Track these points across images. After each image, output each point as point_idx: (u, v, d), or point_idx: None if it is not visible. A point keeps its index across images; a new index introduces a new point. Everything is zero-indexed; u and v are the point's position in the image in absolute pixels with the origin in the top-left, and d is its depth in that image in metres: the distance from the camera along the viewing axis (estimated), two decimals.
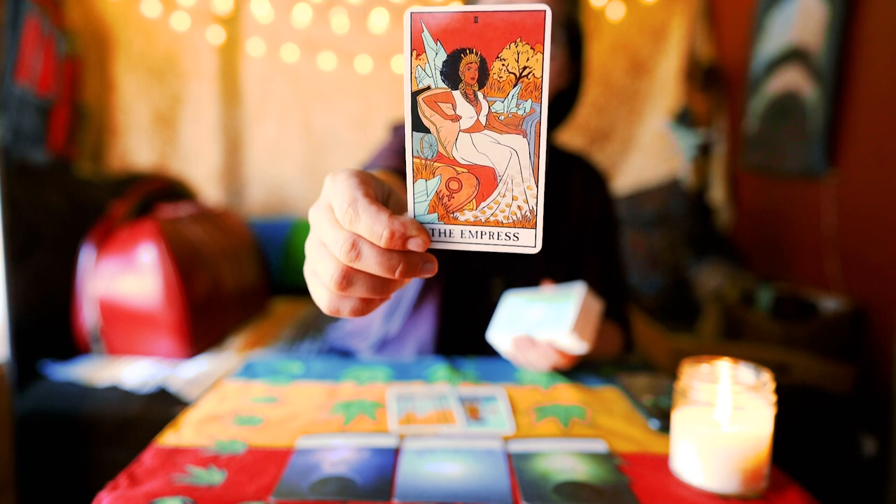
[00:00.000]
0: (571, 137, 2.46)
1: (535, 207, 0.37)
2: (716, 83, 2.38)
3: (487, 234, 0.38)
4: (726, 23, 2.38)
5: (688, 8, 2.41)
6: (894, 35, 1.50)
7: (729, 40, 2.36)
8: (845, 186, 1.65)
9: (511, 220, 0.37)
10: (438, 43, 0.36)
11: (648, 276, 2.25)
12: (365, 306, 0.39)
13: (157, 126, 2.41)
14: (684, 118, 2.36)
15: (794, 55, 1.87)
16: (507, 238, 0.38)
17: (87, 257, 1.37)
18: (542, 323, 0.79)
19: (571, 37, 0.96)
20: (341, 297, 0.38)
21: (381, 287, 0.38)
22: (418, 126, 0.37)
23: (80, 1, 2.19)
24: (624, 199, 2.36)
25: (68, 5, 2.12)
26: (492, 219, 0.37)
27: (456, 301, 0.95)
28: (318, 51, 2.45)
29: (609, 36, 2.48)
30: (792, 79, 1.88)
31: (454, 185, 0.37)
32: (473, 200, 0.37)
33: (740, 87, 2.24)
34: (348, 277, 0.37)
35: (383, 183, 0.40)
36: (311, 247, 0.39)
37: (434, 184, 0.38)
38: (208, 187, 2.42)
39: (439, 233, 0.38)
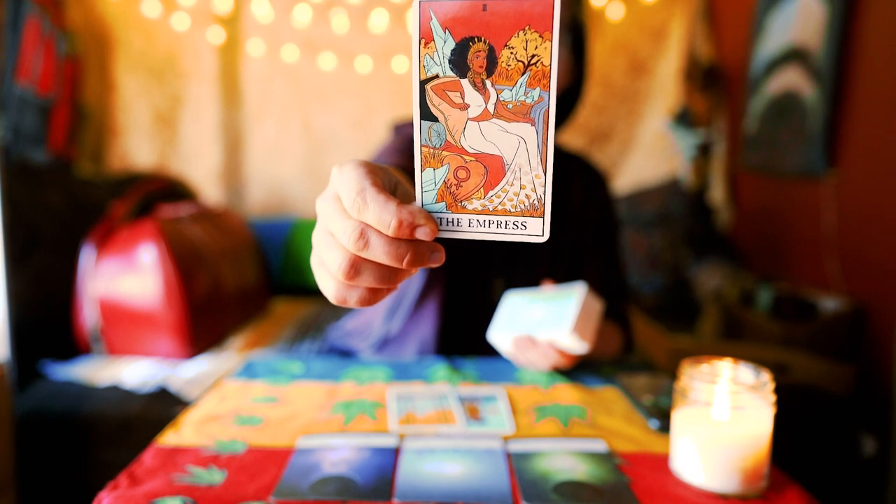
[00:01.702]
0: (571, 137, 2.46)
1: (542, 196, 0.37)
2: (716, 83, 2.38)
3: (495, 223, 0.38)
4: (726, 23, 2.38)
5: (688, 8, 2.41)
6: (894, 35, 1.50)
7: (729, 40, 2.36)
8: (845, 186, 1.65)
9: (519, 209, 0.37)
10: (447, 31, 0.36)
11: (648, 276, 2.25)
12: (372, 296, 0.39)
13: (158, 126, 2.41)
14: (684, 118, 2.36)
15: (794, 55, 1.87)
16: (516, 227, 0.37)
17: (87, 257, 1.37)
18: (542, 323, 0.79)
19: (575, 37, 0.96)
20: (349, 286, 0.38)
21: (388, 276, 0.38)
22: (426, 115, 0.37)
23: (80, 1, 2.19)
24: (624, 199, 2.37)
25: (68, 5, 2.12)
26: (500, 207, 0.37)
27: (457, 301, 0.95)
28: (318, 51, 2.45)
29: (609, 36, 2.48)
30: (791, 79, 1.88)
31: (462, 174, 0.37)
32: (481, 189, 0.37)
33: (740, 87, 2.24)
34: (356, 267, 0.37)
35: (390, 173, 0.40)
36: (318, 237, 0.39)
37: (442, 173, 0.38)
38: (208, 187, 2.42)
39: (447, 222, 0.38)
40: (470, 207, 0.38)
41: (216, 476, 0.54)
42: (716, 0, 2.41)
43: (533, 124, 0.36)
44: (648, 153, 2.54)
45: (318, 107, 2.49)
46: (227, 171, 2.49)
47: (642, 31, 2.48)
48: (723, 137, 2.38)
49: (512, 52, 0.35)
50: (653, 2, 2.44)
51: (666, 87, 2.48)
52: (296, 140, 2.50)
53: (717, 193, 2.37)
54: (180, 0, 2.33)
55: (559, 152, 1.07)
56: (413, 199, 0.39)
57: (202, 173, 2.43)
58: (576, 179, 1.05)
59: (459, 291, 0.96)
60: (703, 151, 2.39)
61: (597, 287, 0.95)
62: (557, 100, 0.98)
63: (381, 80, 2.47)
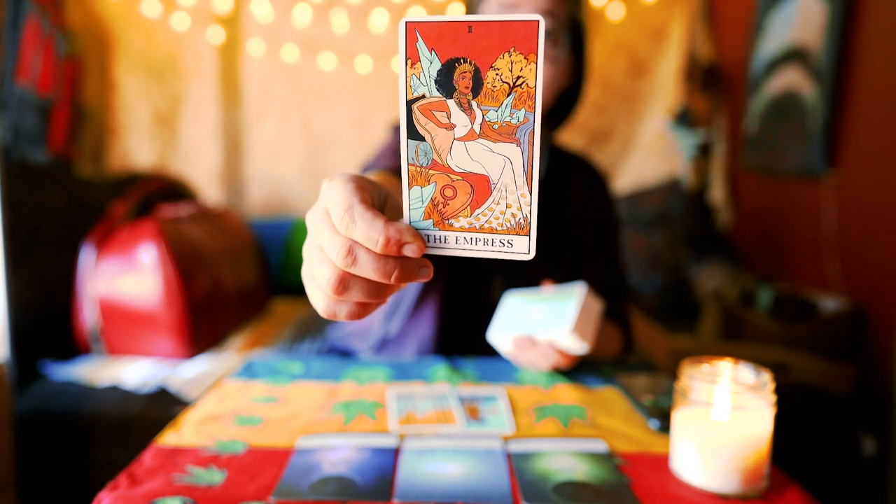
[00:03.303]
0: (571, 137, 2.46)
1: (528, 215, 0.37)
2: (716, 83, 2.38)
3: (482, 240, 0.38)
4: (726, 23, 2.38)
5: (688, 8, 2.41)
6: (894, 35, 1.50)
7: (729, 40, 2.36)
8: (845, 186, 1.65)
9: (505, 228, 0.38)
10: (433, 52, 0.36)
11: (648, 276, 2.25)
12: (361, 310, 0.39)
13: (158, 126, 2.41)
14: (684, 118, 2.36)
15: (794, 55, 1.87)
16: (502, 245, 0.38)
17: (87, 257, 1.37)
18: (542, 323, 0.79)
19: (575, 38, 0.96)
20: (338, 300, 0.39)
21: (376, 291, 0.38)
22: (413, 134, 0.38)
23: (80, 1, 2.19)
24: (624, 199, 2.36)
25: (68, 5, 2.12)
26: (486, 226, 0.38)
27: (456, 301, 0.95)
28: (318, 51, 2.45)
29: (609, 36, 2.48)
30: (792, 79, 1.88)
31: (449, 193, 0.38)
32: (468, 207, 0.38)
33: (740, 87, 2.24)
34: (344, 282, 0.37)
35: (380, 187, 0.41)
36: (308, 251, 0.40)
37: (429, 191, 0.38)
38: (208, 187, 2.42)
39: (434, 239, 0.39)
40: (457, 225, 0.38)
41: (216, 476, 0.54)
42: (716, 0, 2.41)
43: (518, 145, 0.37)
44: (648, 153, 2.54)
45: (318, 107, 2.49)
46: (227, 171, 2.49)
47: (642, 31, 2.48)
48: (723, 137, 2.38)
49: (497, 74, 0.36)
50: (653, 2, 2.44)
51: (666, 87, 2.48)
52: (296, 140, 2.50)
53: (717, 193, 2.37)
54: (180, 0, 2.33)
55: (559, 153, 1.07)
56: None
57: (202, 173, 2.43)
58: (576, 179, 1.05)
59: (459, 292, 0.96)
60: (703, 151, 2.39)
61: (597, 287, 0.95)
62: (558, 99, 0.98)
63: (381, 80, 2.47)
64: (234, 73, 2.46)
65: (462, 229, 0.38)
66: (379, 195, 0.40)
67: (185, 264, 1.36)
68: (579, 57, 0.98)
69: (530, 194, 0.37)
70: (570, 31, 0.94)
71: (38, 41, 1.93)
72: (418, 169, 0.38)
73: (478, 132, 0.37)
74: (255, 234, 1.86)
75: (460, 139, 0.37)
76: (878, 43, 1.56)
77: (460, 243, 0.39)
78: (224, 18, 2.39)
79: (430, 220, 0.38)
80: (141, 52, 2.35)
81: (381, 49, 2.45)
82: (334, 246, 0.37)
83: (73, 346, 1.40)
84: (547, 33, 0.88)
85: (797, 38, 1.86)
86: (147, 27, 2.33)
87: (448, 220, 0.38)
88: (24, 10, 1.85)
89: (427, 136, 0.37)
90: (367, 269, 0.36)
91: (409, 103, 0.37)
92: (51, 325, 1.38)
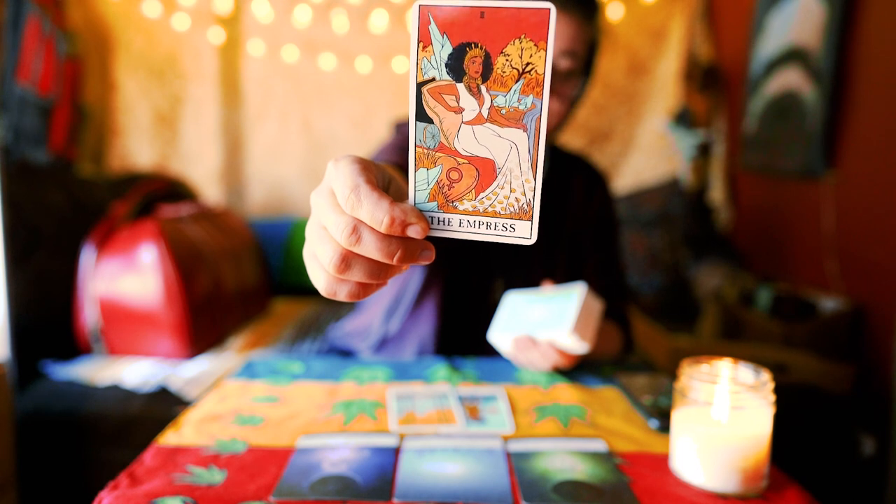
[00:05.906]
0: (571, 137, 2.46)
1: (532, 200, 0.38)
2: (715, 83, 2.38)
3: (485, 224, 0.39)
4: (726, 23, 2.38)
5: (687, 8, 2.41)
6: (894, 35, 1.50)
7: (728, 40, 2.36)
8: (844, 187, 1.65)
9: (508, 212, 0.38)
10: (445, 36, 0.36)
11: (648, 276, 2.25)
12: (362, 290, 0.39)
13: (158, 126, 2.41)
14: (684, 118, 2.37)
15: (794, 55, 1.87)
16: (504, 228, 0.38)
17: (87, 257, 1.37)
18: (542, 323, 0.79)
19: (589, 56, 0.95)
20: (339, 280, 0.39)
21: (378, 272, 0.38)
22: (422, 116, 0.38)
23: (81, 1, 2.19)
24: (624, 199, 2.37)
25: (69, 5, 2.12)
26: (490, 209, 0.38)
27: (456, 301, 0.96)
28: (318, 51, 2.45)
29: (609, 36, 2.48)
30: (791, 79, 1.88)
31: (455, 175, 0.38)
32: (473, 191, 0.38)
33: (739, 88, 2.24)
34: (347, 261, 0.38)
35: (384, 170, 0.41)
36: (311, 230, 0.40)
37: (435, 173, 0.38)
38: (208, 187, 2.42)
39: (438, 221, 0.39)
40: (461, 208, 0.39)
41: (216, 476, 0.54)
42: (716, 0, 2.41)
43: (525, 130, 0.37)
44: (648, 153, 2.54)
45: (318, 107, 2.49)
46: (227, 171, 2.49)
47: (642, 31, 2.48)
48: (722, 137, 2.38)
49: (507, 60, 0.36)
50: (653, 2, 2.44)
51: (666, 88, 2.48)
52: (296, 140, 2.50)
53: (717, 193, 2.37)
54: (180, 0, 2.33)
55: (559, 153, 1.07)
56: (406, 196, 0.40)
57: (202, 173, 2.43)
58: (576, 179, 1.05)
59: (459, 291, 0.96)
60: (703, 151, 2.39)
61: (597, 287, 0.95)
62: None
63: (381, 80, 2.47)
64: (234, 73, 2.46)
65: (466, 212, 0.39)
66: (384, 178, 0.40)
67: (185, 264, 1.36)
68: (589, 69, 0.98)
69: (534, 180, 0.38)
70: (587, 48, 0.93)
71: (39, 41, 1.93)
72: (425, 151, 0.38)
73: (486, 116, 0.37)
74: (255, 234, 1.86)
75: (468, 123, 0.38)
76: (877, 43, 1.56)
77: (464, 226, 0.39)
78: (224, 19, 2.40)
79: (435, 203, 0.39)
80: (141, 53, 2.35)
81: (381, 49, 2.45)
82: (338, 224, 0.37)
83: (73, 346, 1.40)
84: (562, 73, 0.87)
85: (796, 38, 1.86)
86: (147, 27, 2.33)
87: (453, 202, 0.39)
88: (24, 11, 1.85)
89: (435, 119, 0.38)
90: (371, 248, 0.36)
91: (420, 85, 0.37)
92: (51, 325, 1.39)
